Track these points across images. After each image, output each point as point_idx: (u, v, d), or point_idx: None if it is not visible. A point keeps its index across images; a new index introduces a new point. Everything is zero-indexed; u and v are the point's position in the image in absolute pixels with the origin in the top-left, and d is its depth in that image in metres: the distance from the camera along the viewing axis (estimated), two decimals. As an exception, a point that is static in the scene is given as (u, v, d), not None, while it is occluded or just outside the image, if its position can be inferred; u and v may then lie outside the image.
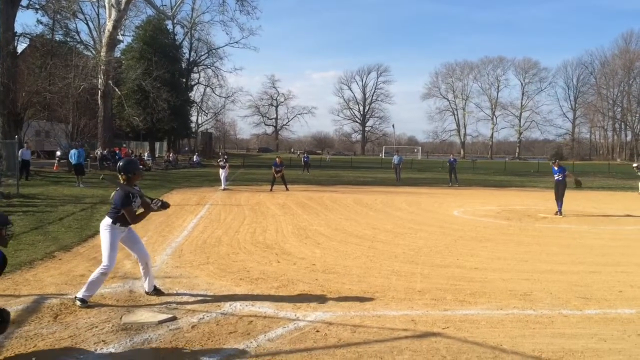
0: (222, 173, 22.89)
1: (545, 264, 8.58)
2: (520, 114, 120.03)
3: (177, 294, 6.19)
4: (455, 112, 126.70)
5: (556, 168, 15.89)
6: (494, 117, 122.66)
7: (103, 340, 4.63)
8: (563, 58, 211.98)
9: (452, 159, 30.27)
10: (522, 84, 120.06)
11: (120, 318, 5.24)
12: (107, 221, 5.82)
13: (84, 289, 5.66)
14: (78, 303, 5.58)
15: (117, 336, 4.75)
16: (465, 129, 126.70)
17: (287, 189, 22.21)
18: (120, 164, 6.00)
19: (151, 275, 6.17)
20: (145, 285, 6.16)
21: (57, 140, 33.76)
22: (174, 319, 5.26)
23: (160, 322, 5.13)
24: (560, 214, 15.12)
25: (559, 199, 15.37)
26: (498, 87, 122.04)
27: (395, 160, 32.33)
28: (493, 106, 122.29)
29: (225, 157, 25.70)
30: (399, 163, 32.01)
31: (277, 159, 23.42)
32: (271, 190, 21.93)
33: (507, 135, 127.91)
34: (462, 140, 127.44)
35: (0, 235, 4.38)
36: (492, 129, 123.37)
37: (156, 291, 6.15)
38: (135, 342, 4.64)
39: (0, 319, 4.23)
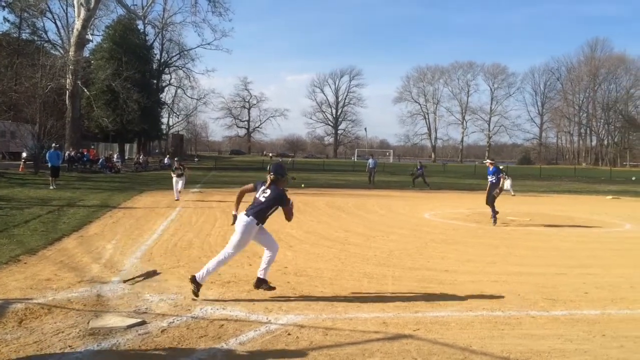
0: (178, 183, 18.59)
1: (514, 266, 8.73)
2: (490, 118, 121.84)
3: (147, 298, 6.10)
4: (427, 116, 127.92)
5: (491, 168, 14.45)
6: (464, 122, 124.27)
7: (69, 346, 4.53)
8: (531, 64, 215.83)
9: (419, 167, 30.81)
10: (491, 89, 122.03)
11: (88, 323, 5.13)
12: (251, 220, 6.18)
13: (203, 271, 6.08)
14: (192, 287, 6.03)
15: (84, 341, 4.65)
16: (436, 132, 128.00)
17: None
18: (272, 165, 6.52)
19: (268, 268, 6.40)
20: (259, 272, 6.39)
21: (23, 142, 32.96)
22: (143, 323, 5.18)
23: (129, 327, 5.04)
24: (495, 221, 13.74)
25: (491, 203, 13.96)
26: (468, 91, 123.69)
27: (371, 164, 32.58)
28: (463, 110, 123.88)
29: (182, 164, 20.26)
30: (374, 167, 32.24)
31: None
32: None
33: (477, 140, 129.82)
34: (433, 143, 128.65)
35: None
36: (463, 133, 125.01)
37: (261, 282, 6.32)
38: (103, 347, 4.55)
39: None
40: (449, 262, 8.85)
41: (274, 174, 6.37)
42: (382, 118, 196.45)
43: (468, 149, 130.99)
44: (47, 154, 23.04)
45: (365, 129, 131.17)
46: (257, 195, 6.40)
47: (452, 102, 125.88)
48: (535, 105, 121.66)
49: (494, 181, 14.20)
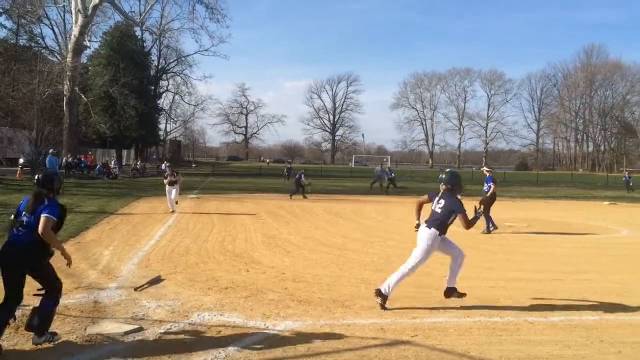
0: (172, 191, 16.50)
1: (511, 272, 8.73)
2: (487, 124, 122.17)
3: (144, 304, 6.08)
4: (424, 122, 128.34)
5: (487, 176, 14.11)
6: (461, 128, 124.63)
7: (66, 352, 4.51)
8: (527, 70, 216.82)
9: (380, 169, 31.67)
10: (488, 95, 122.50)
11: (85, 329, 5.12)
12: (433, 232, 6.25)
13: (387, 284, 6.26)
14: (378, 300, 6.18)
15: (81, 348, 4.63)
16: (433, 138, 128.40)
17: (304, 197, 23.66)
18: (445, 176, 6.56)
19: (455, 273, 6.43)
20: (448, 282, 6.47)
21: (20, 148, 32.89)
22: (140, 329, 5.16)
23: (126, 333, 5.02)
24: (489, 230, 13.31)
25: (486, 214, 13.21)
26: (465, 97, 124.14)
27: (378, 172, 32.43)
28: (460, 116, 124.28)
29: (175, 170, 18.16)
30: (380, 174, 31.92)
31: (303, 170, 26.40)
32: (305, 197, 23.61)
33: (474, 145, 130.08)
34: (431, 149, 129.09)
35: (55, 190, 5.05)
36: (460, 139, 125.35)
37: (451, 291, 6.37)
38: (100, 354, 4.54)
39: None
40: (446, 268, 8.79)
41: (449, 184, 6.46)
42: (379, 124, 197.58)
43: (465, 155, 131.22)
44: (48, 160, 22.93)
45: (363, 135, 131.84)
46: (433, 207, 6.47)
47: (449, 108, 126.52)
48: (532, 111, 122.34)
49: (485, 190, 14.05)
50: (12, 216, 4.99)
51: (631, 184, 38.59)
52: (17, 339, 4.82)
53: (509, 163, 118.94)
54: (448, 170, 7.00)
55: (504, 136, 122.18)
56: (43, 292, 4.80)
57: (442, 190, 6.52)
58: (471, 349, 4.91)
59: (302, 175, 24.89)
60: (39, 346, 4.62)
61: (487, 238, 12.71)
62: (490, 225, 13.52)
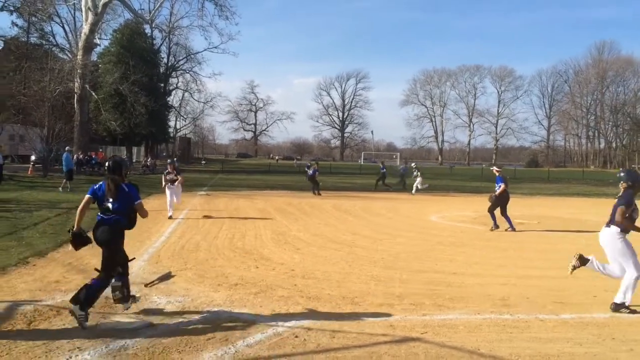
0: (170, 194, 14.39)
1: (522, 269, 8.68)
2: (497, 121, 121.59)
3: (154, 300, 6.11)
4: (433, 119, 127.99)
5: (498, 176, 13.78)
6: (471, 124, 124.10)
7: (78, 347, 4.54)
8: (538, 67, 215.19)
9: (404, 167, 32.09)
10: (498, 92, 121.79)
11: (96, 325, 5.15)
12: (614, 230, 6.41)
13: (621, 295, 6.15)
14: (624, 310, 6.04)
15: (93, 343, 4.66)
16: (443, 135, 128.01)
17: (318, 194, 23.88)
18: (623, 174, 6.60)
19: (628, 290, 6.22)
20: (617, 296, 6.25)
21: (32, 145, 33.12)
22: (150, 325, 5.19)
23: (137, 329, 5.06)
24: (513, 229, 13.12)
25: (491, 211, 13.39)
26: (475, 94, 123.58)
27: (403, 169, 32.39)
28: (470, 113, 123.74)
29: (176, 164, 16.30)
30: (405, 172, 31.75)
31: (315, 166, 26.40)
32: (319, 194, 23.86)
33: (484, 142, 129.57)
34: (440, 146, 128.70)
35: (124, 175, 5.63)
36: (469, 135, 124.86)
37: (618, 306, 6.16)
38: (111, 349, 4.56)
39: None
40: (456, 265, 8.82)
41: (628, 181, 6.52)
42: (388, 121, 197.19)
43: (475, 152, 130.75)
44: (64, 157, 22.94)
45: (372, 132, 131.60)
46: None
47: (459, 105, 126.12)
48: (543, 107, 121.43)
49: (497, 190, 13.52)
50: (87, 197, 5.52)
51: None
52: (29, 334, 4.86)
53: (519, 160, 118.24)
54: (626, 169, 7.13)
55: (514, 133, 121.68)
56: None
57: (622, 189, 6.52)
58: (481, 346, 4.89)
59: (316, 172, 25.08)
60: (51, 341, 4.66)
61: (498, 235, 12.65)
62: (501, 224, 13.35)
